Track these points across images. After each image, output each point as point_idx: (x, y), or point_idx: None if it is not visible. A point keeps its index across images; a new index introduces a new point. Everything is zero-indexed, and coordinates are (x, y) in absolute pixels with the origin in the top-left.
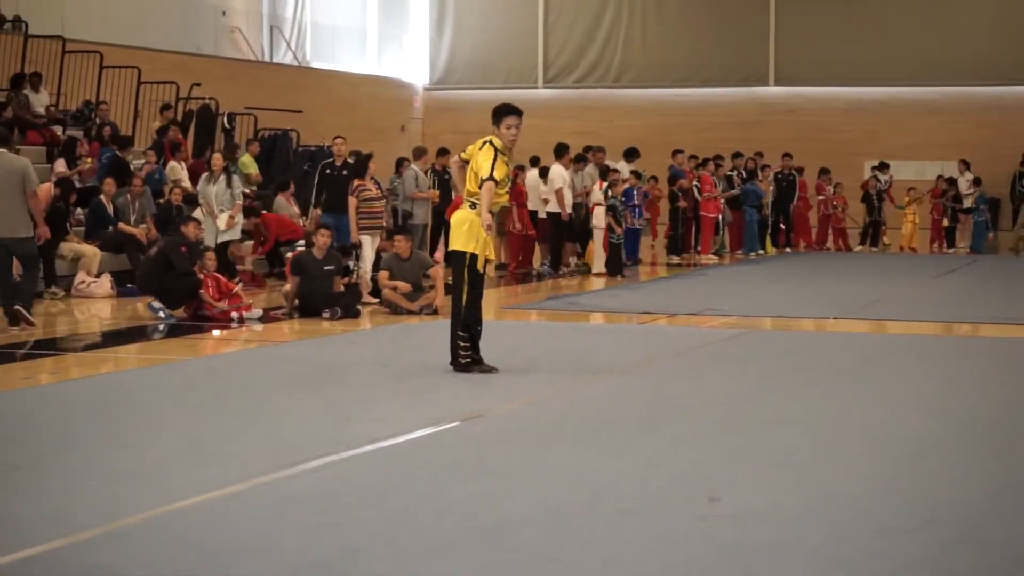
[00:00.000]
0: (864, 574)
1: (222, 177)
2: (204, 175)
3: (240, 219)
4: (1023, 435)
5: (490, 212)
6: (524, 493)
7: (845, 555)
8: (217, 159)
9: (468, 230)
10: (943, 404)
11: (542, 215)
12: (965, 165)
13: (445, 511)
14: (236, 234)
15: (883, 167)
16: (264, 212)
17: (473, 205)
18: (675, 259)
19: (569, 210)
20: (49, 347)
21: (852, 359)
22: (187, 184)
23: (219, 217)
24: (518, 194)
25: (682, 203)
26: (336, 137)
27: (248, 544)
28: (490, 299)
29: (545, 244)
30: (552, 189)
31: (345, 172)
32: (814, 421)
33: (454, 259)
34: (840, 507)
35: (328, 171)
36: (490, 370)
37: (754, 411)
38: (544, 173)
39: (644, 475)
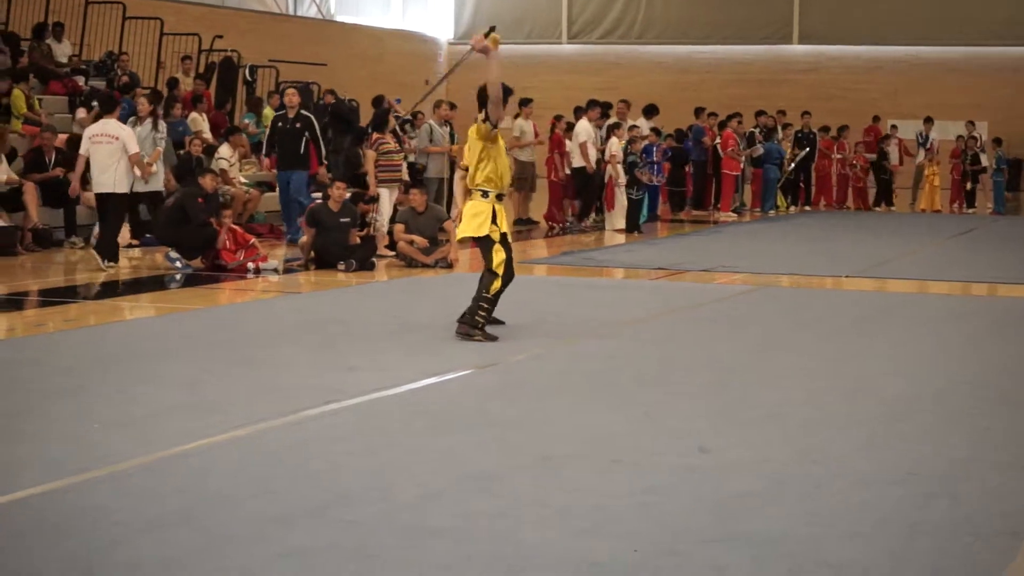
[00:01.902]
0: (841, 524)
1: (148, 121)
2: (131, 119)
3: (159, 168)
4: (1010, 394)
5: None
6: (519, 443)
7: (824, 506)
8: (143, 103)
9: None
10: (937, 364)
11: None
12: (972, 125)
13: (440, 459)
14: (157, 184)
15: (928, 121)
16: None
17: (485, 194)
18: (690, 215)
19: (593, 164)
20: (67, 295)
21: (858, 317)
22: (208, 136)
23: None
24: (559, 143)
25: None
26: (288, 87)
27: (244, 489)
28: None
29: (570, 199)
30: (576, 143)
31: (298, 125)
32: (810, 378)
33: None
34: (823, 461)
35: (280, 124)
36: (492, 338)
37: (753, 367)
38: (570, 128)
39: (638, 428)
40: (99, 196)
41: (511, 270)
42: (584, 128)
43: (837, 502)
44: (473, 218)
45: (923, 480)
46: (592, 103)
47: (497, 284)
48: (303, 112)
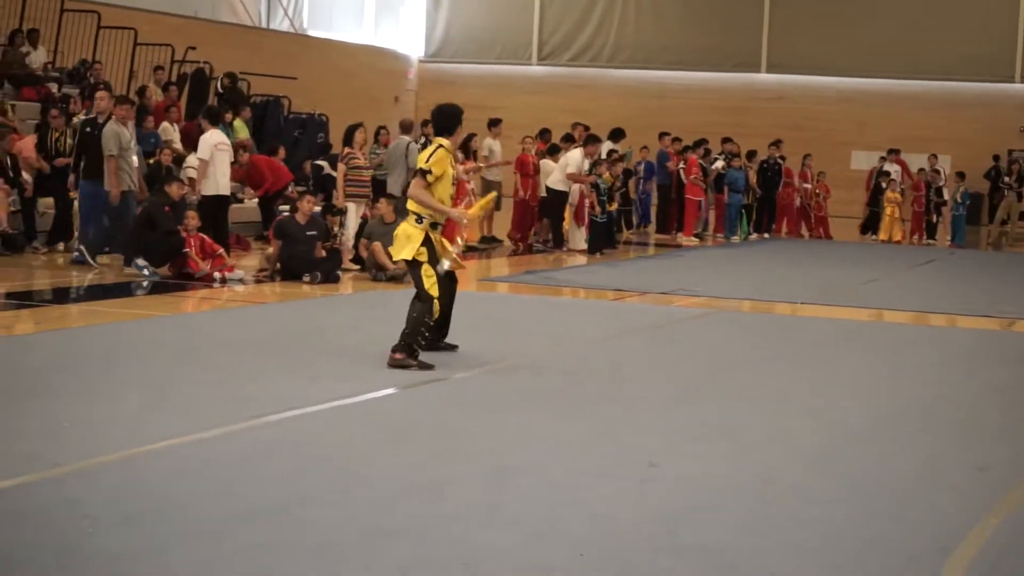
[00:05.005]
0: (785, 538)
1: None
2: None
3: None
4: (960, 422)
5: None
6: (475, 453)
7: (770, 521)
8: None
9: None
10: (890, 389)
11: (541, 192)
12: (935, 158)
13: (396, 466)
14: None
15: (895, 152)
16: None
17: (419, 219)
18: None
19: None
20: (34, 299)
21: (815, 342)
22: (178, 146)
23: None
24: (523, 163)
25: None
26: (97, 90)
27: (209, 487)
28: (470, 271)
29: (546, 220)
30: (562, 170)
31: None
32: (764, 399)
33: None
34: (772, 479)
35: (88, 129)
36: (428, 367)
37: (708, 387)
38: (555, 151)
39: (593, 441)
40: (212, 198)
41: (450, 292)
42: (575, 159)
43: (783, 517)
44: (406, 241)
45: (868, 500)
46: (592, 138)
47: (437, 309)
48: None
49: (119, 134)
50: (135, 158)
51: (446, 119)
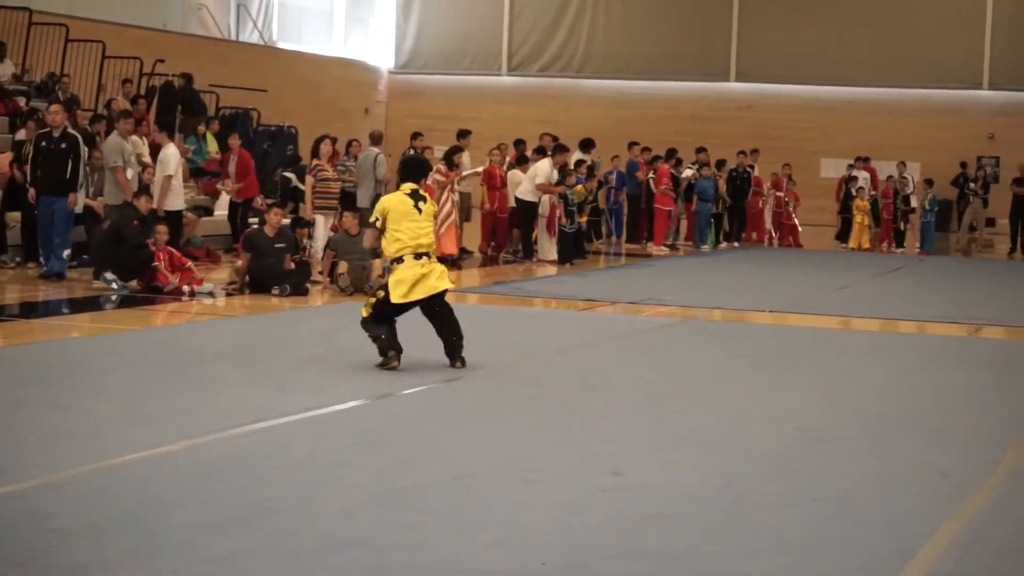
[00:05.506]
0: (743, 543)
1: None
2: None
3: None
4: (924, 427)
5: None
6: (439, 462)
7: (729, 526)
8: None
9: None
10: (856, 396)
11: (511, 204)
12: (903, 166)
13: (362, 475)
14: None
15: (863, 160)
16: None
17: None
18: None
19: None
20: (2, 313)
21: (784, 350)
22: (148, 159)
23: None
24: (489, 176)
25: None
26: (52, 104)
27: (178, 498)
28: None
29: (516, 231)
30: (531, 180)
31: (64, 145)
32: (730, 406)
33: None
34: (734, 485)
35: (43, 143)
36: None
37: (676, 395)
38: (524, 161)
39: (557, 449)
40: (173, 213)
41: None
42: (544, 170)
43: (742, 523)
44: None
45: (827, 504)
46: (560, 147)
47: None
48: (69, 131)
49: (121, 146)
50: (131, 171)
51: (415, 168)
